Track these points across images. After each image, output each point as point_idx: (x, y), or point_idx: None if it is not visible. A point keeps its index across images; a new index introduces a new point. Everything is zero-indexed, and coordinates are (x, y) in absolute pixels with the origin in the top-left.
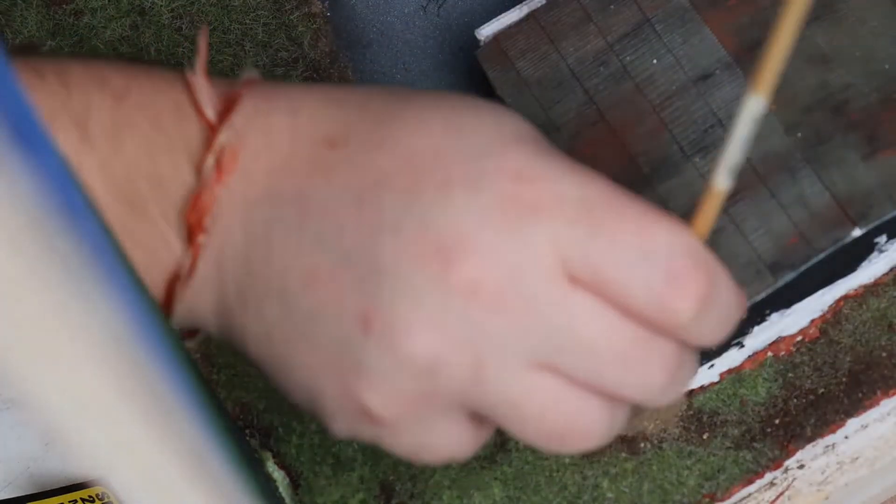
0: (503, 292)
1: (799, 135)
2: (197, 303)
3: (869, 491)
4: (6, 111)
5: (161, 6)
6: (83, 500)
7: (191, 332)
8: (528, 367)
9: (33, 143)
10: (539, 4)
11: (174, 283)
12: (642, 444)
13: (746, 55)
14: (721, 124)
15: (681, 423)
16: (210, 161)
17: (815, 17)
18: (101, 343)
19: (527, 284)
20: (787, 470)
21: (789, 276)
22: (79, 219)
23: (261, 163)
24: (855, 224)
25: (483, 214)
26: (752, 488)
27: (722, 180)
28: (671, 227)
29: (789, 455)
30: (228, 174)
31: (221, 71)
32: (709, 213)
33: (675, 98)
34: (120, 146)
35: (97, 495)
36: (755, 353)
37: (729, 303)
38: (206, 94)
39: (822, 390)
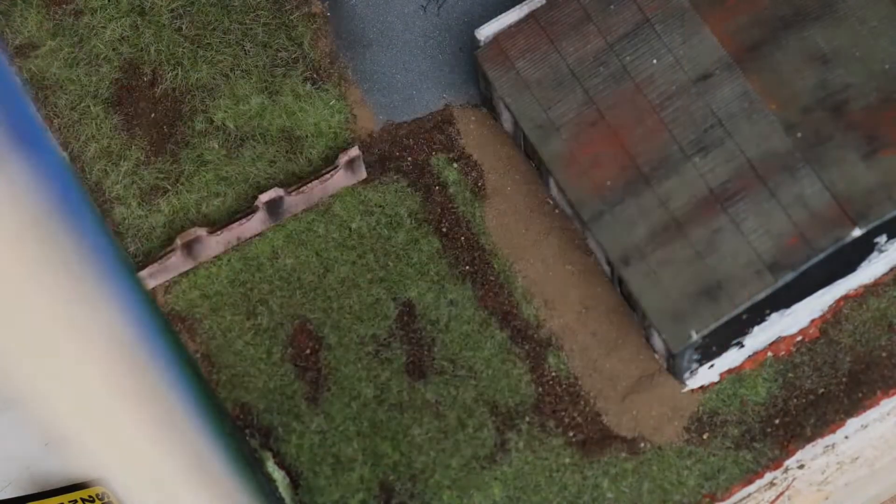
0: None
1: (799, 135)
2: None
3: (869, 491)
4: (7, 113)
5: (161, 6)
6: (83, 500)
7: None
8: None
9: (34, 144)
10: (539, 4)
11: None
12: (642, 444)
13: (746, 55)
14: (721, 124)
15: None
16: None
17: (815, 17)
18: (102, 344)
19: None
20: (787, 470)
21: (789, 276)
22: (79, 219)
23: None
24: (855, 224)
25: None
26: (752, 488)
27: None
28: None
29: (789, 455)
30: None
31: (221, 71)
32: None
33: (675, 98)
34: None
35: (97, 495)
36: (755, 353)
37: None
38: None
39: (822, 390)
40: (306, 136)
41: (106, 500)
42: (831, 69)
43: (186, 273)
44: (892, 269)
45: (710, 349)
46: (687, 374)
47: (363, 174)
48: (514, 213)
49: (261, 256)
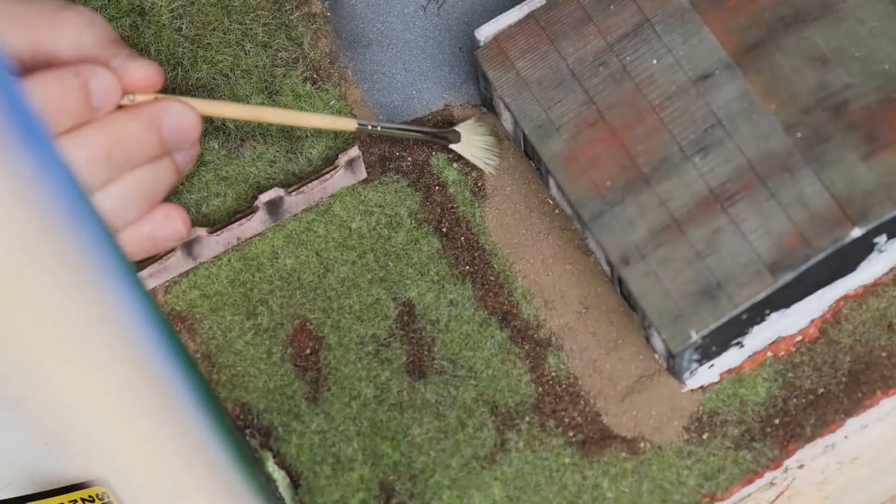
0: None
1: (799, 135)
2: None
3: (869, 491)
4: (7, 112)
5: (161, 6)
6: (83, 500)
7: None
8: None
9: (34, 144)
10: (539, 4)
11: None
12: (642, 444)
13: (746, 55)
14: (721, 124)
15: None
16: None
17: (815, 17)
18: (102, 344)
19: None
20: (786, 470)
21: (789, 276)
22: (82, 220)
23: None
24: (854, 224)
25: None
26: (751, 488)
27: None
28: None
29: (789, 455)
30: None
31: (221, 71)
32: None
33: (675, 98)
34: None
35: (97, 495)
36: (755, 353)
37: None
38: None
39: (821, 390)
40: (306, 136)
41: (106, 500)
42: (831, 69)
43: (186, 273)
44: (892, 269)
45: (710, 349)
46: (687, 374)
47: (363, 174)
48: (514, 213)
49: (261, 256)
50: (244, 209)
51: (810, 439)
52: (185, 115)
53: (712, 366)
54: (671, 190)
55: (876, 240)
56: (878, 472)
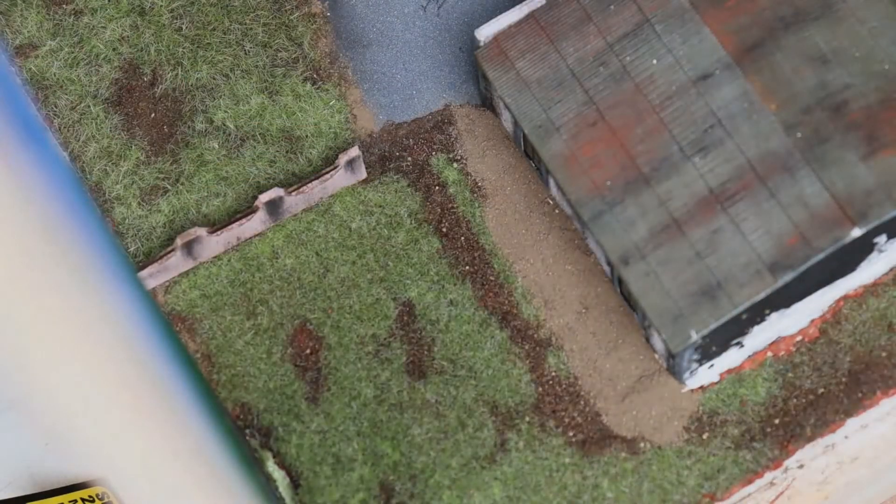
0: None
1: (799, 135)
2: None
3: (869, 491)
4: (7, 113)
5: (161, 6)
6: (83, 500)
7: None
8: None
9: (34, 144)
10: (539, 4)
11: None
12: (642, 444)
13: (746, 55)
14: (721, 124)
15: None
16: None
17: (815, 18)
18: (102, 344)
19: None
20: (786, 470)
21: (789, 276)
22: (80, 219)
23: None
24: (854, 224)
25: None
26: (751, 488)
27: None
28: None
29: (789, 455)
30: None
31: (221, 71)
32: None
33: (675, 98)
34: None
35: (97, 495)
36: (755, 353)
37: None
38: None
39: (821, 390)
40: (306, 136)
41: (106, 500)
42: (831, 69)
43: (186, 273)
44: (892, 269)
45: (710, 349)
46: (687, 374)
47: (363, 174)
48: (514, 213)
49: (261, 256)
50: (244, 209)
51: (810, 439)
52: None
53: (712, 366)
54: (671, 190)
55: (876, 240)
56: (878, 472)
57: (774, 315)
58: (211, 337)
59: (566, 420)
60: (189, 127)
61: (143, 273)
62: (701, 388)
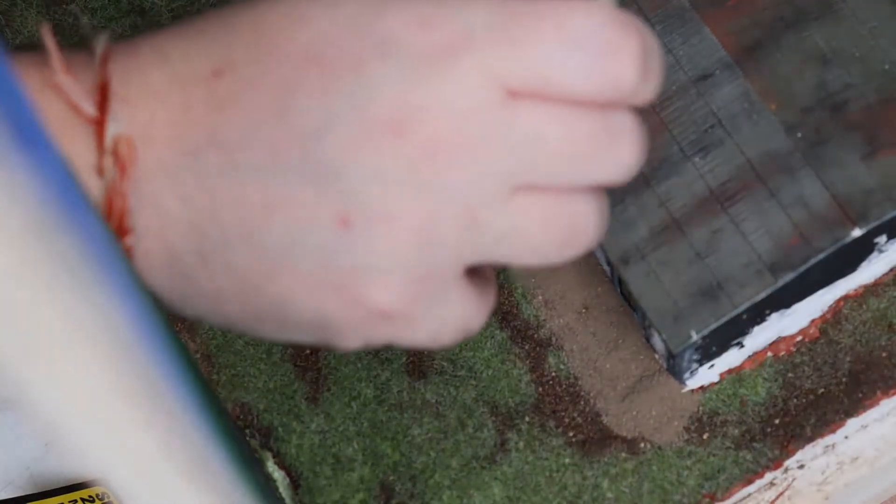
0: (460, 138)
1: (798, 135)
2: (154, 288)
3: (869, 491)
4: (7, 111)
5: (161, 6)
6: (83, 500)
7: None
8: (513, 194)
9: (34, 142)
10: None
11: None
12: (642, 444)
13: (746, 55)
14: (721, 124)
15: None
16: (108, 162)
17: (815, 17)
18: (102, 343)
19: (478, 120)
20: (787, 470)
21: (789, 277)
22: (80, 218)
23: (159, 124)
24: (855, 224)
25: (406, 76)
26: (751, 488)
27: None
28: (584, 6)
29: (789, 455)
30: (131, 164)
31: None
32: None
33: (675, 98)
34: None
35: (97, 495)
36: (755, 353)
37: (653, 45)
38: (78, 92)
39: (822, 390)
40: None
41: (106, 500)
42: (831, 69)
43: None
44: (892, 269)
45: (710, 349)
46: (687, 375)
47: None
48: None
49: None
50: None
51: (810, 439)
52: None
53: (712, 366)
54: (671, 190)
55: (876, 240)
56: (879, 473)
57: (774, 315)
58: (211, 337)
59: (566, 420)
60: None
61: None
62: (701, 388)
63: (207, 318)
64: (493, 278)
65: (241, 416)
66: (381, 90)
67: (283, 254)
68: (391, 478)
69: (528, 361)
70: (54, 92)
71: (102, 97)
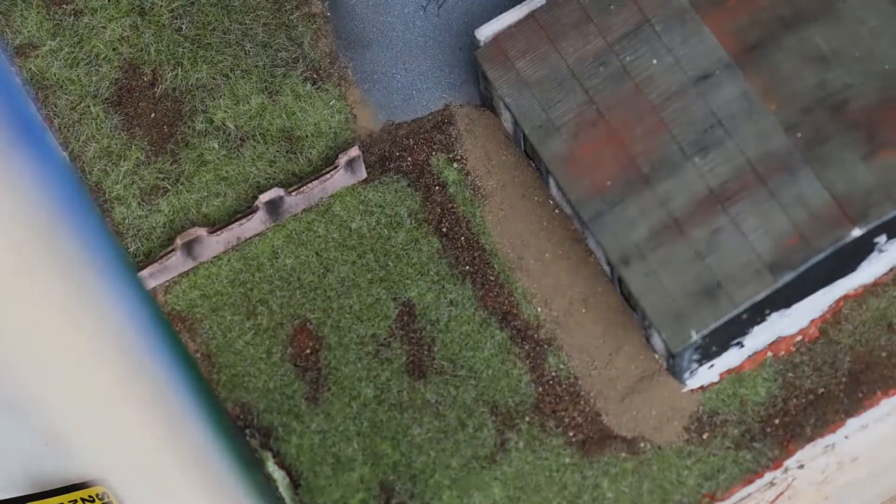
0: None
1: (799, 135)
2: None
3: (869, 491)
4: (7, 113)
5: (161, 6)
6: (83, 500)
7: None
8: None
9: (34, 144)
10: (539, 4)
11: None
12: (642, 444)
13: (746, 55)
14: (721, 124)
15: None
16: None
17: (814, 17)
18: (102, 344)
19: None
20: (786, 470)
21: (789, 276)
22: (82, 220)
23: None
24: (854, 224)
25: None
26: (751, 488)
27: None
28: None
29: (789, 455)
30: None
31: (221, 71)
32: None
33: (675, 98)
34: None
35: (97, 495)
36: (755, 353)
37: None
38: None
39: (822, 390)
40: (306, 136)
41: (106, 500)
42: (831, 69)
43: (186, 273)
44: (892, 269)
45: (710, 349)
46: (687, 374)
47: (363, 174)
48: (514, 213)
49: (261, 256)
50: (244, 209)
51: (810, 439)
52: None
53: (712, 366)
54: (671, 190)
55: (876, 240)
56: (878, 472)
57: (774, 315)
58: (211, 337)
59: (566, 420)
60: (189, 127)
61: (143, 273)
62: (701, 388)
63: None
64: None
65: (241, 416)
66: None
67: None
68: (391, 478)
69: (528, 361)
70: None
71: None
